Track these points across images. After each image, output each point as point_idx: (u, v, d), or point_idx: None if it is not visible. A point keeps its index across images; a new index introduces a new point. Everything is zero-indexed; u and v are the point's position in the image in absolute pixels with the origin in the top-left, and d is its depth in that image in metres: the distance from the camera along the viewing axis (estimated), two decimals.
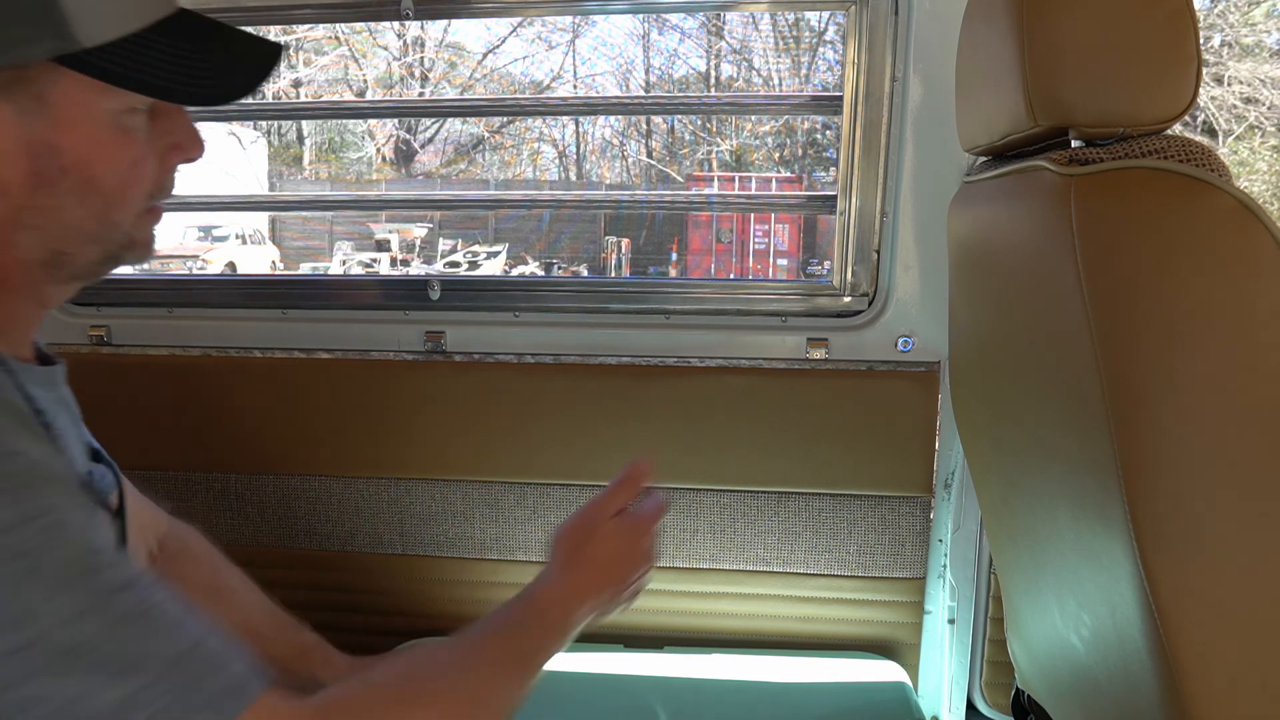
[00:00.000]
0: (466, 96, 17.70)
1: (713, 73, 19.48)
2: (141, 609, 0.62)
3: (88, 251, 0.74)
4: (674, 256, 15.75)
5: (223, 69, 0.74)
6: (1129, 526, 0.72)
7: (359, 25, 15.14)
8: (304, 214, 16.77)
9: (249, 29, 0.80)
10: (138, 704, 0.58)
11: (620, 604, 0.98)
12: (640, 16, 18.92)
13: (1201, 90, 0.75)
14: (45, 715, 0.56)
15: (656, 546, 0.99)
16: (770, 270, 13.77)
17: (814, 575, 1.51)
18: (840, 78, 1.42)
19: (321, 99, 17.06)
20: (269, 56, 0.76)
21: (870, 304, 1.48)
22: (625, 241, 16.00)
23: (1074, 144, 0.82)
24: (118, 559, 0.63)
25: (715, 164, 18.92)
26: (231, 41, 0.75)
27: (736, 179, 16.27)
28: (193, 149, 0.77)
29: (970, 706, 1.53)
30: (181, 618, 0.64)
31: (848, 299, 1.49)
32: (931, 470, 1.47)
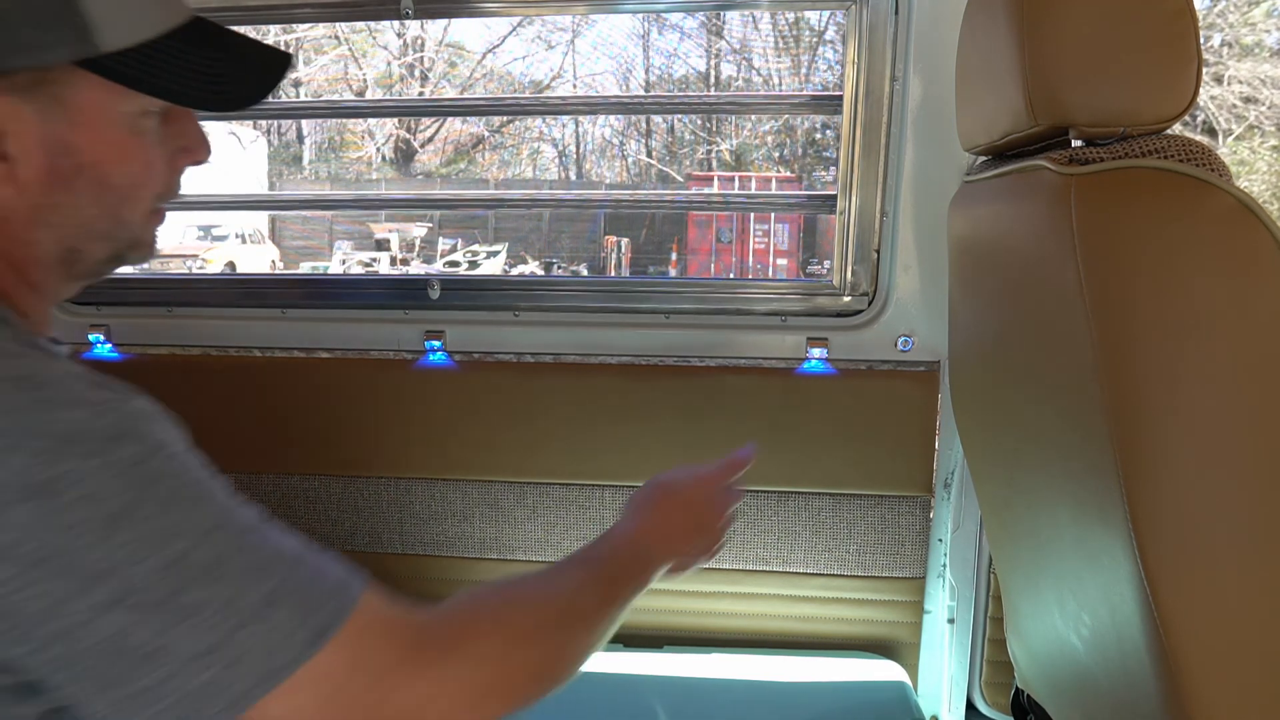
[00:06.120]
0: (466, 96, 17.68)
1: (713, 73, 19.46)
2: (253, 522, 0.69)
3: (97, 249, 0.77)
4: (674, 256, 15.73)
5: (235, 76, 0.77)
6: (1129, 526, 0.72)
7: (359, 25, 15.14)
8: (304, 213, 16.77)
9: (248, 29, 0.80)
10: (276, 601, 0.65)
11: (697, 557, 1.01)
12: (640, 16, 18.91)
13: (1201, 90, 0.75)
14: (207, 619, 0.63)
15: (730, 512, 1.02)
16: (770, 270, 13.77)
17: (814, 575, 1.51)
18: (840, 78, 1.42)
19: (321, 98, 17.05)
20: (278, 65, 0.79)
21: (870, 304, 1.48)
22: (625, 241, 15.99)
23: (1074, 144, 0.82)
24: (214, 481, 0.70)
25: (715, 164, 18.90)
26: (244, 50, 0.78)
27: (736, 179, 16.25)
28: (200, 152, 0.81)
29: (970, 706, 1.53)
30: (278, 531, 0.71)
31: (848, 299, 1.49)
32: (931, 470, 1.47)
